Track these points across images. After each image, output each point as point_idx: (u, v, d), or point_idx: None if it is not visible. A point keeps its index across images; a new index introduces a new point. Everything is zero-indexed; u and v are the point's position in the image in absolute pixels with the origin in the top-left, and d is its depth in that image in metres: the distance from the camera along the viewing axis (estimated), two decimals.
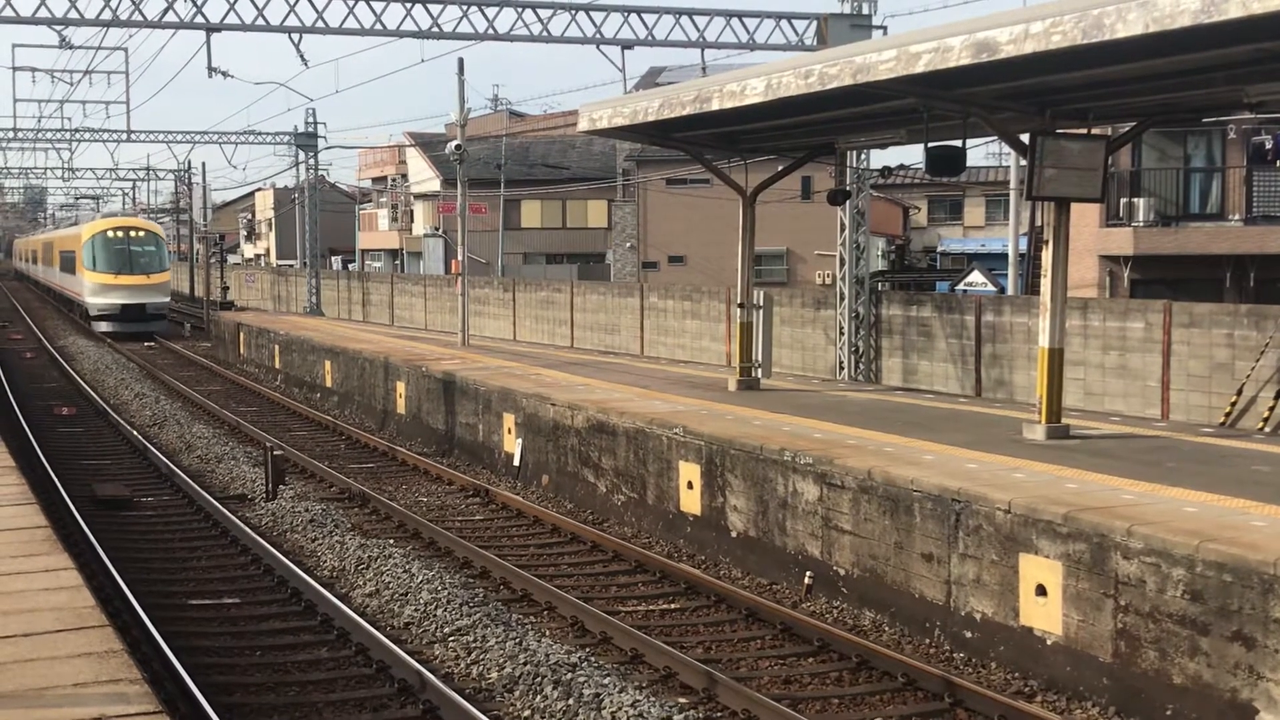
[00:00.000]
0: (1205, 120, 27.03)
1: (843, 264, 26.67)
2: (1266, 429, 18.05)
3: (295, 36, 26.22)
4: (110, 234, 53.69)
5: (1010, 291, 33.44)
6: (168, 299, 55.45)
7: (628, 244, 54.56)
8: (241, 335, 42.76)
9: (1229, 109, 18.56)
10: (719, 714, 10.55)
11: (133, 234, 54.05)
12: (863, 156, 26.23)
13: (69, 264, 60.63)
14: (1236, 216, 29.14)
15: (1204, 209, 29.88)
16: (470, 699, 10.54)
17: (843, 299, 26.46)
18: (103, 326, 52.45)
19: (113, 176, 72.41)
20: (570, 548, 16.56)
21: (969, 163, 16.92)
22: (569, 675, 10.99)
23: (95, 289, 53.21)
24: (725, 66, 27.60)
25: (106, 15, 25.65)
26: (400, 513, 17.80)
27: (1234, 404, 19.16)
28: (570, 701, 10.48)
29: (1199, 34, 11.23)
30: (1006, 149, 44.96)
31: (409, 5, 26.00)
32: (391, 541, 16.29)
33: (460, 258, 33.99)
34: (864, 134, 20.01)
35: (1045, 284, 15.39)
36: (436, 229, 64.08)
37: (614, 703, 10.40)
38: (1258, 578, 9.58)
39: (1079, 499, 11.67)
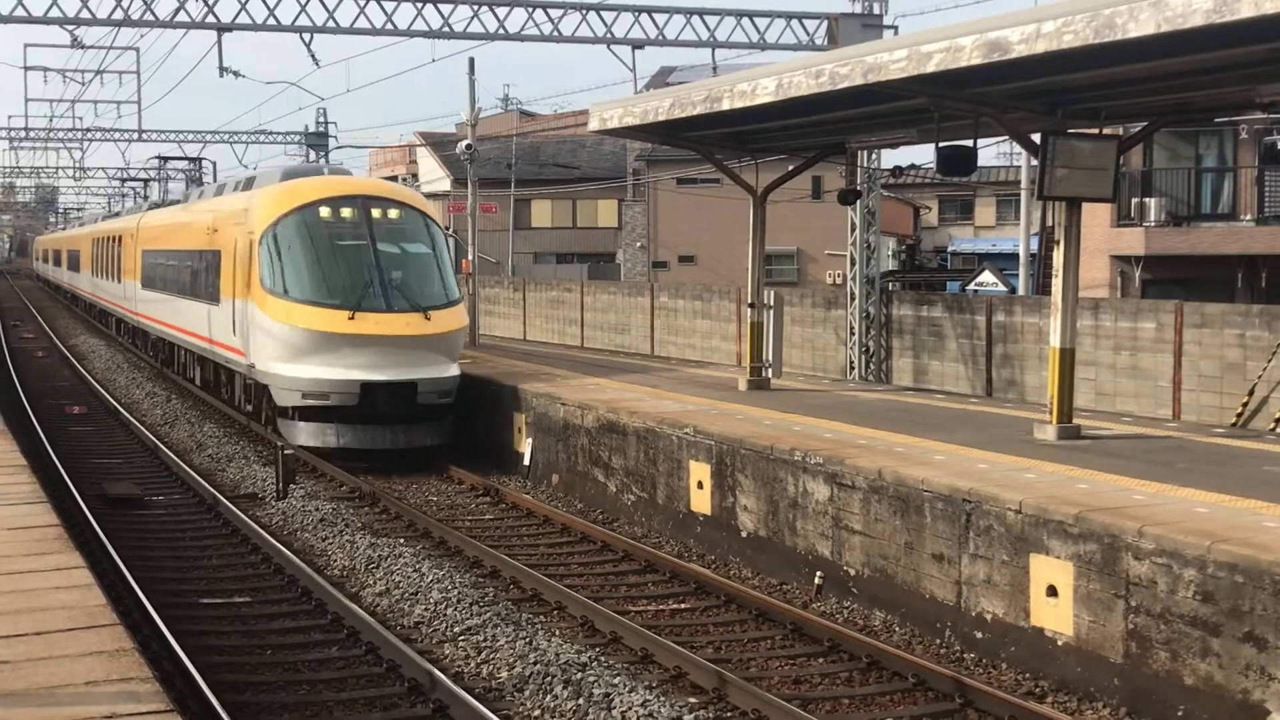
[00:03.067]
0: (1217, 120, 27.00)
1: (853, 264, 26.65)
2: (1278, 430, 18.01)
3: (306, 36, 26.30)
4: (327, 213, 22.58)
5: (1021, 292, 33.40)
6: (455, 366, 22.43)
7: (638, 243, 54.59)
8: None
9: (1241, 109, 18.54)
10: (729, 714, 10.54)
11: (376, 214, 22.70)
12: (873, 156, 26.22)
13: (198, 282, 27.68)
14: (1248, 216, 29.10)
15: (1216, 209, 29.83)
16: (480, 698, 10.54)
17: (853, 299, 26.43)
18: (305, 435, 21.53)
19: (124, 176, 72.45)
20: (580, 547, 16.55)
21: (980, 162, 16.90)
22: (579, 675, 10.99)
23: (294, 344, 21.62)
24: (736, 66, 27.66)
25: (118, 15, 25.71)
26: (410, 512, 17.81)
27: (1246, 404, 19.12)
28: (580, 701, 10.48)
29: (1211, 33, 11.20)
30: (1018, 149, 44.92)
31: (420, 5, 26.04)
32: (401, 540, 16.30)
33: (470, 257, 34.03)
34: (875, 133, 19.99)
35: (1056, 284, 15.37)
36: (447, 228, 64.08)
37: (624, 702, 10.40)
38: (1269, 579, 9.55)
39: (1090, 499, 11.65)
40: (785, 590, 14.45)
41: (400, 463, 21.42)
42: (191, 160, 51.07)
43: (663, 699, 10.56)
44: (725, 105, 16.84)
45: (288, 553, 15.19)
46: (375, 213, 22.47)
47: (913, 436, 15.57)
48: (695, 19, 27.47)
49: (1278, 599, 9.49)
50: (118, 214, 59.42)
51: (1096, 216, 27.42)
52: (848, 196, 22.33)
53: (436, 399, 21.46)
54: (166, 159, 51.16)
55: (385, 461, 21.41)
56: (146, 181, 69.76)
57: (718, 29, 27.60)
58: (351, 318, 21.01)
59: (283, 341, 21.51)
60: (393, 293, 21.55)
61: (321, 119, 52.17)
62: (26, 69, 44.69)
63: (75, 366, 38.63)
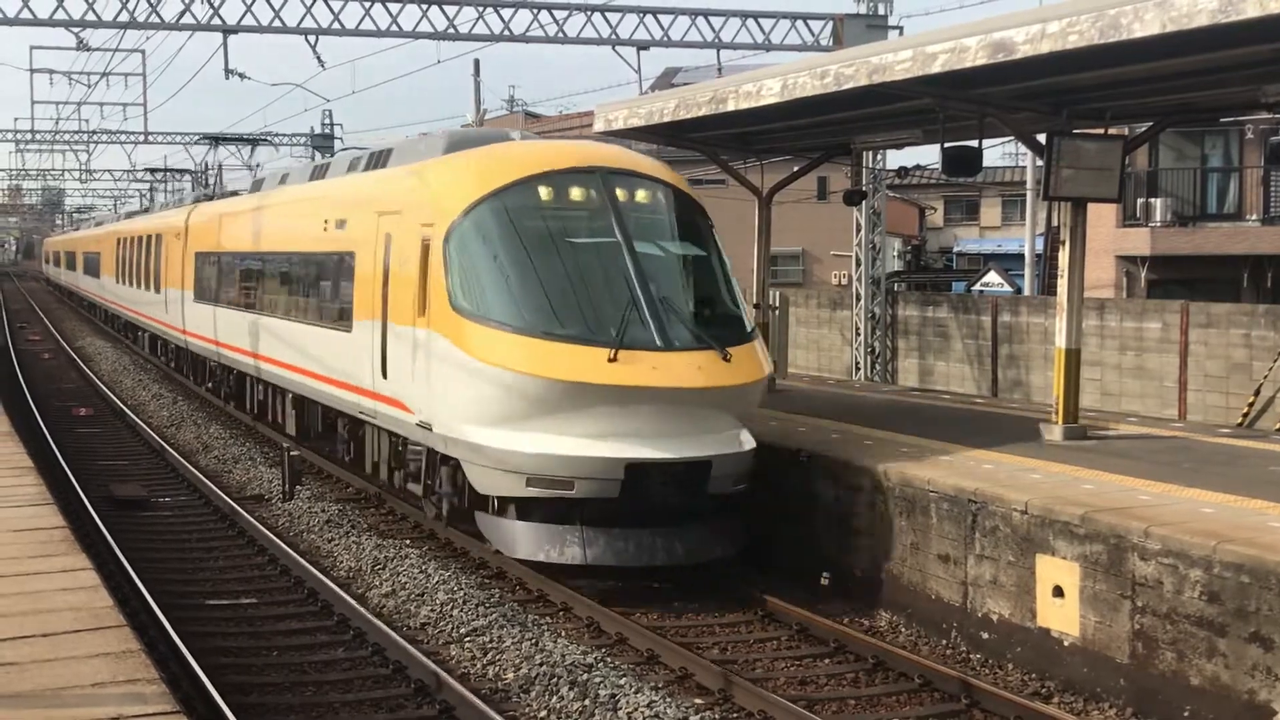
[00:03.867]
0: (1223, 120, 26.98)
1: (859, 264, 26.66)
2: None
3: (312, 38, 26.34)
4: (548, 195, 14.30)
5: (1027, 292, 33.38)
6: (749, 434, 14.06)
7: None
8: None
9: (1246, 109, 18.52)
10: (735, 714, 10.55)
11: (622, 195, 14.38)
12: (879, 157, 26.23)
13: (305, 297, 20.34)
14: (1254, 216, 29.08)
15: (1221, 209, 29.81)
16: (486, 699, 10.55)
17: (859, 299, 26.44)
18: (528, 542, 13.58)
19: (130, 178, 72.37)
20: None
21: (985, 163, 16.91)
22: (585, 676, 10.99)
23: (515, 400, 13.38)
24: (741, 67, 27.65)
25: (124, 17, 25.77)
26: (416, 513, 17.80)
27: (1251, 404, 19.11)
28: (586, 702, 10.48)
29: (1216, 33, 11.20)
30: (1023, 149, 44.92)
31: (425, 6, 26.08)
32: (408, 542, 16.29)
33: None
34: (880, 134, 20.00)
35: (1062, 284, 15.37)
36: None
37: (630, 703, 10.40)
38: (1275, 579, 9.54)
39: (1096, 500, 11.65)
40: (791, 591, 14.42)
41: (675, 581, 14.13)
42: (251, 143, 45.87)
43: (669, 699, 10.56)
44: (730, 106, 16.84)
45: (294, 554, 15.20)
46: (620, 193, 14.36)
47: (918, 437, 15.55)
48: (700, 20, 27.51)
49: None
50: (146, 210, 51.25)
51: (1102, 217, 27.41)
52: (853, 197, 22.36)
53: (731, 485, 13.82)
54: (219, 140, 42.65)
55: (649, 579, 14.09)
56: (152, 185, 67.50)
57: (723, 30, 27.65)
58: (613, 359, 12.99)
59: (495, 394, 13.46)
60: (670, 320, 13.49)
61: (327, 121, 52.19)
62: (32, 71, 44.90)
63: (82, 368, 38.68)
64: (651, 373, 13.06)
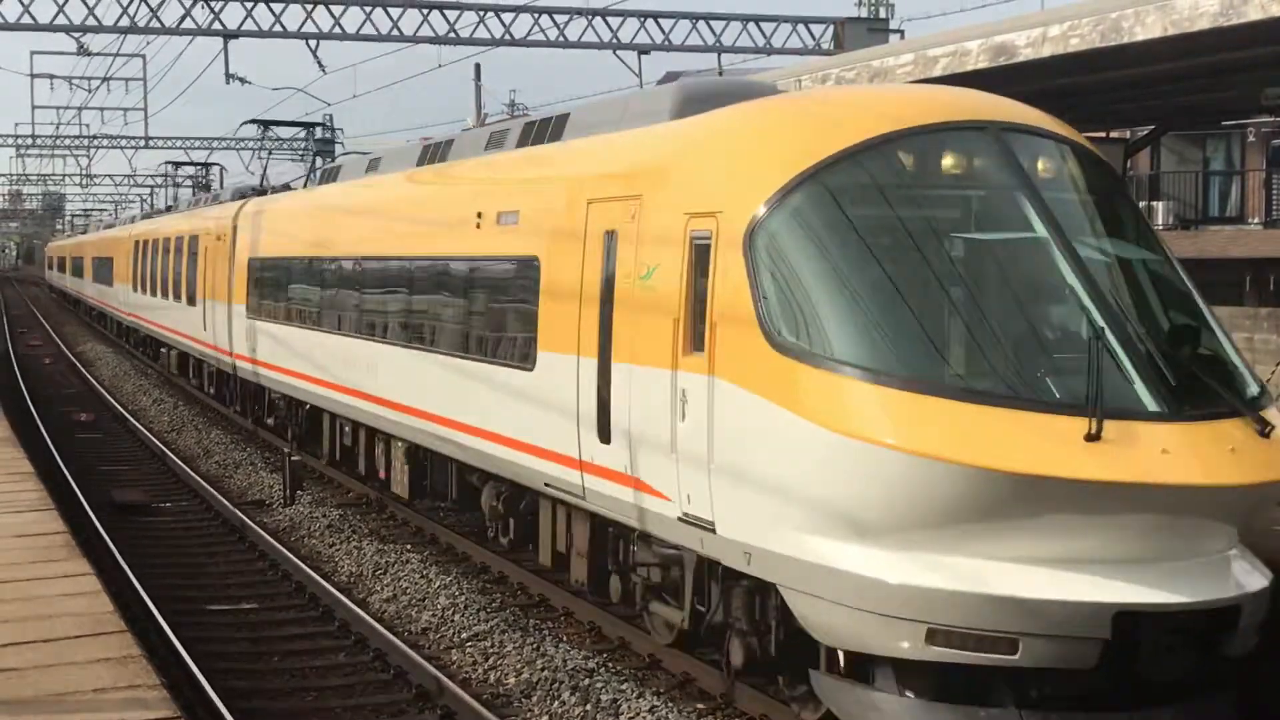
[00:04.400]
0: (1224, 123, 27.01)
1: None
2: None
3: (312, 42, 26.39)
4: (911, 163, 8.99)
5: None
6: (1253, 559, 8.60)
7: None
8: None
9: (1248, 112, 18.54)
10: (737, 719, 10.53)
11: (1026, 164, 8.95)
12: None
13: (436, 322, 15.11)
14: (1256, 220, 29.08)
15: (1223, 212, 29.83)
16: (488, 705, 10.53)
17: None
18: None
19: (131, 183, 72.32)
20: None
21: None
22: (587, 681, 10.98)
23: (906, 500, 8.07)
24: (742, 71, 27.69)
25: (124, 22, 25.81)
26: (418, 518, 17.79)
27: None
28: (588, 707, 10.46)
29: (1218, 36, 11.21)
30: None
31: (426, 11, 26.14)
32: (409, 547, 16.28)
33: None
34: None
35: None
36: None
37: (632, 709, 10.39)
38: None
39: None
40: None
41: None
42: (307, 128, 40.29)
43: (670, 705, 10.54)
44: None
45: (295, 559, 15.18)
46: (1023, 161, 9.18)
47: None
48: (701, 24, 27.56)
49: None
50: (170, 208, 45.32)
51: None
52: None
53: (1253, 640, 8.59)
54: (268, 124, 36.68)
55: None
56: (153, 189, 66.66)
57: (724, 34, 27.69)
58: (1093, 435, 7.87)
59: (869, 490, 8.35)
60: (1168, 368, 8.36)
61: (328, 125, 52.12)
62: (33, 76, 44.95)
63: (83, 373, 38.70)
64: (1164, 460, 7.86)
